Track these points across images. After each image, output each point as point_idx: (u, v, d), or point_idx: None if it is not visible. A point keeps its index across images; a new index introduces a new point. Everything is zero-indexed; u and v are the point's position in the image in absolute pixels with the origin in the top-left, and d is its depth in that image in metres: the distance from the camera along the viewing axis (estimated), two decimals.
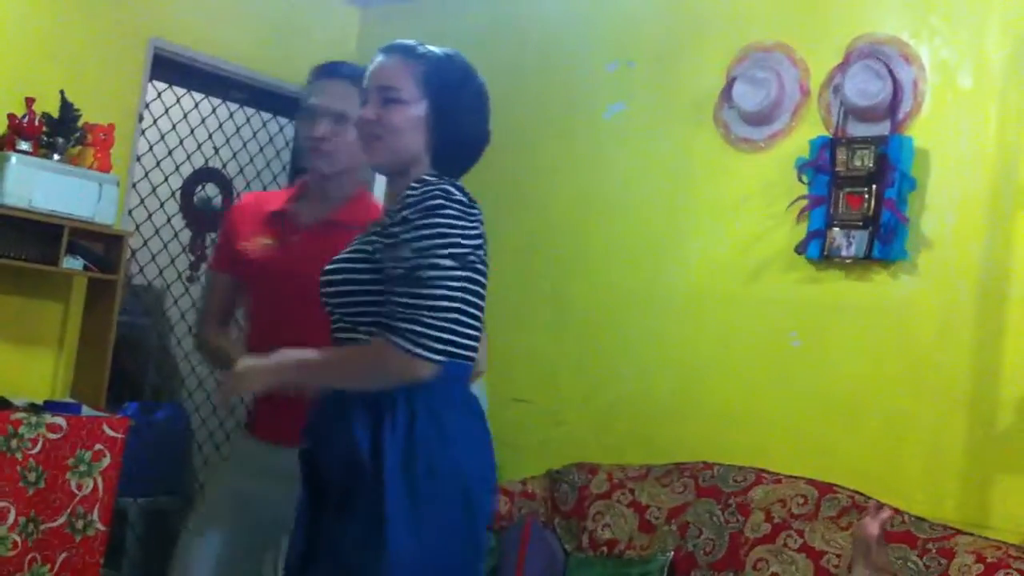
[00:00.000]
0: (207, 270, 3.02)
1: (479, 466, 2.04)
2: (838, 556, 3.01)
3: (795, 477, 3.32)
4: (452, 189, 1.96)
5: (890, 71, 3.47)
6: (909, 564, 2.87)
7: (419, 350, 1.88)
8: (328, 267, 2.09)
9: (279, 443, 2.51)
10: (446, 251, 1.91)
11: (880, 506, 2.79)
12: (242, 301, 2.81)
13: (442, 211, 1.92)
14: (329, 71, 2.57)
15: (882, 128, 3.49)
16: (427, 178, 1.99)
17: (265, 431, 2.59)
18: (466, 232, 1.95)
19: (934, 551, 2.88)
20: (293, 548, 2.09)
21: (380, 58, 2.13)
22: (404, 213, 1.93)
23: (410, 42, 2.13)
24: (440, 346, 1.89)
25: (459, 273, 1.92)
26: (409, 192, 1.96)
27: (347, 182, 2.59)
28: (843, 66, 3.59)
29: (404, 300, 1.90)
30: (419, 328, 1.88)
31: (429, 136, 2.07)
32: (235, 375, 2.10)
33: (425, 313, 1.88)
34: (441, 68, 2.10)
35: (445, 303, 1.90)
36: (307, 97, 2.58)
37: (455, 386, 2.02)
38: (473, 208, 1.99)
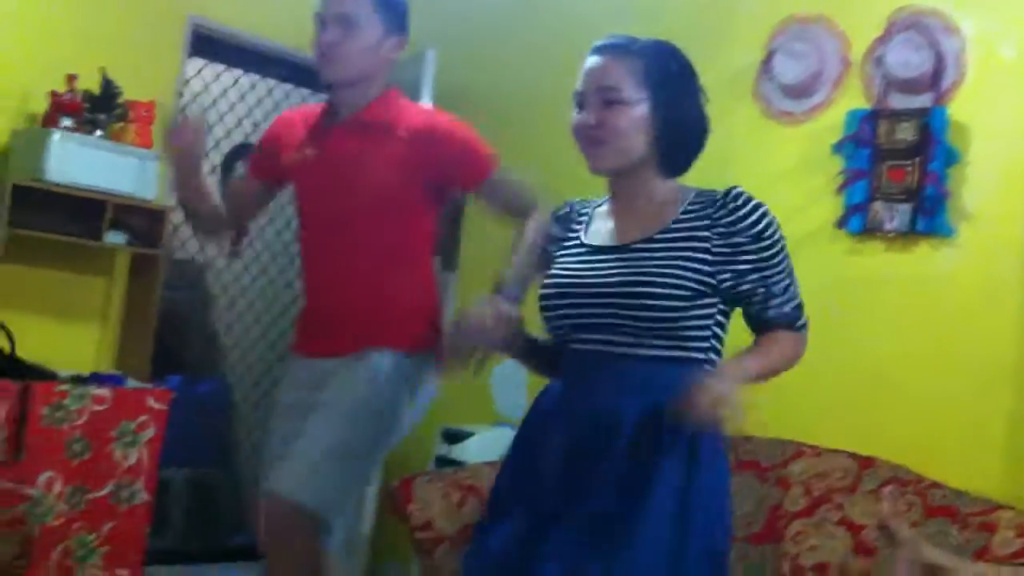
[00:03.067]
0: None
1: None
2: (877, 529, 3.00)
3: (835, 451, 3.30)
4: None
5: (932, 42, 3.43)
6: (950, 538, 2.85)
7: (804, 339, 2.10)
8: (625, 281, 1.97)
9: (316, 353, 2.58)
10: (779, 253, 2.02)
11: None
12: (254, 210, 2.89)
13: (769, 213, 2.00)
14: None
15: (924, 100, 3.45)
16: (738, 191, 2.00)
17: (305, 341, 2.66)
18: None
19: (975, 525, 2.86)
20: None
21: (594, 58, 2.05)
22: (746, 224, 1.96)
23: (622, 38, 2.06)
24: None
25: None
26: (735, 205, 1.97)
27: (366, 89, 2.55)
28: (884, 38, 3.55)
29: (786, 293, 2.02)
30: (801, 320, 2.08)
31: (653, 134, 2.02)
32: (721, 383, 1.84)
33: (792, 308, 2.05)
34: (660, 61, 2.03)
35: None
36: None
37: None
38: None
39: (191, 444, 4.66)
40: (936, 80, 3.42)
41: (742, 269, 1.96)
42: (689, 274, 1.94)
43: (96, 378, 3.90)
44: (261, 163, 2.77)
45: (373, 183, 2.49)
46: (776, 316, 2.02)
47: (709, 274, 1.95)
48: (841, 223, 3.58)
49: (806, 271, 3.62)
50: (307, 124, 2.65)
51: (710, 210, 1.98)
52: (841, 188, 3.58)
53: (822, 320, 3.59)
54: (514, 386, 3.90)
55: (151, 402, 3.85)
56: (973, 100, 3.38)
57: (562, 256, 2.13)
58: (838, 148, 3.60)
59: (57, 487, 3.62)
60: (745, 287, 1.98)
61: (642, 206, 2.05)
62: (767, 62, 3.83)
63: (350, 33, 2.46)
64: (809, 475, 3.26)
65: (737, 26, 4.00)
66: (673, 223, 2.00)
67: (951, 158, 3.36)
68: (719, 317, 2.00)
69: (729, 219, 1.96)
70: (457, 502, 3.48)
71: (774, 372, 2.03)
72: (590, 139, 2.03)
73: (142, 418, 3.82)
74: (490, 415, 4.16)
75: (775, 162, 3.79)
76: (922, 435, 3.30)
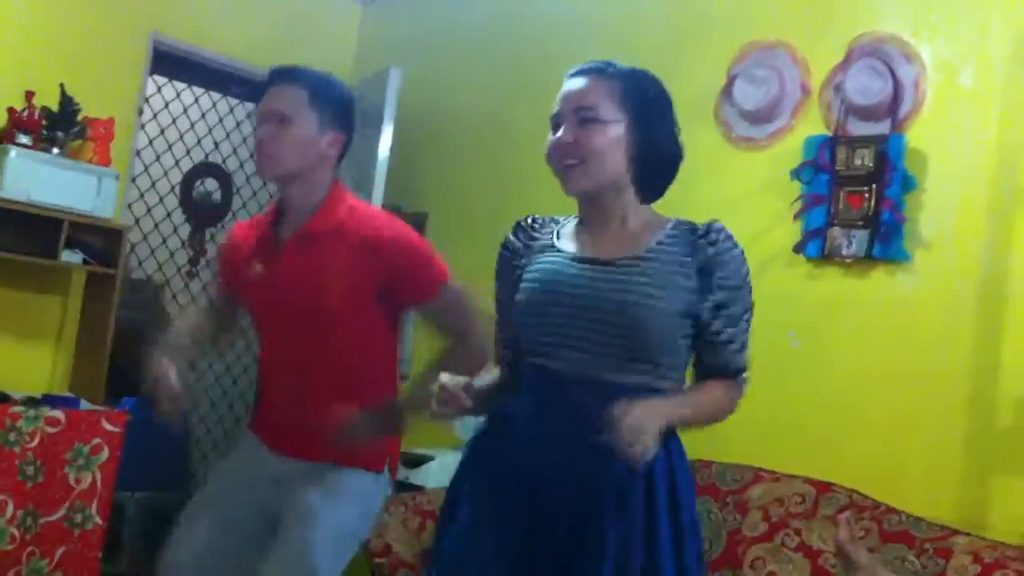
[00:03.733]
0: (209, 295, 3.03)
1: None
2: (835, 555, 3.01)
3: (793, 476, 3.31)
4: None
5: (891, 70, 3.46)
6: (907, 564, 2.86)
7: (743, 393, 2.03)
8: (619, 298, 1.94)
9: (276, 450, 2.54)
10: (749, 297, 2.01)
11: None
12: (237, 321, 2.84)
13: (742, 255, 1.99)
14: (278, 75, 2.53)
15: (883, 127, 3.48)
16: (721, 225, 2.01)
17: (265, 435, 2.60)
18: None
19: (931, 551, 2.88)
20: None
21: (572, 79, 2.04)
22: (727, 259, 1.96)
23: (600, 62, 2.05)
24: None
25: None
26: (718, 238, 1.97)
27: (308, 188, 2.51)
28: (844, 64, 3.59)
29: (744, 340, 1.99)
30: (746, 373, 2.02)
31: (630, 156, 2.00)
32: (633, 422, 1.75)
33: (745, 357, 2.01)
34: (637, 84, 2.02)
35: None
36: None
37: None
38: None
39: (145, 467, 4.60)
40: (894, 107, 3.46)
41: (717, 304, 1.95)
42: (675, 296, 1.93)
43: (49, 400, 3.84)
44: (221, 284, 2.75)
45: (324, 303, 2.45)
46: (730, 361, 1.99)
47: (691, 302, 1.94)
48: (799, 248, 3.60)
49: (765, 296, 3.64)
50: (255, 236, 2.60)
51: (692, 238, 1.98)
52: (799, 213, 3.61)
53: (780, 344, 3.65)
54: None
55: (105, 424, 3.80)
56: (931, 128, 3.42)
57: (539, 264, 2.07)
58: (797, 174, 3.63)
59: (9, 511, 3.56)
60: (715, 324, 1.96)
61: (616, 228, 2.03)
62: (728, 87, 3.86)
63: (283, 129, 2.45)
64: (767, 500, 3.27)
65: (700, 51, 4.02)
66: (657, 244, 1.98)
67: (908, 185, 3.40)
68: (689, 352, 2.01)
69: (712, 251, 1.96)
70: (416, 528, 3.46)
71: (705, 423, 2.01)
72: (566, 158, 2.00)
73: (96, 441, 3.77)
74: (450, 440, 4.14)
75: (735, 187, 3.81)
76: (879, 460, 3.32)
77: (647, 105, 2.01)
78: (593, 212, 2.07)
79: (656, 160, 2.03)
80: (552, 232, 2.13)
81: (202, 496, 2.64)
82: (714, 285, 1.95)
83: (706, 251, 1.96)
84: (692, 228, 2.01)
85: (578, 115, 1.99)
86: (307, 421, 2.43)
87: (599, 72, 2.02)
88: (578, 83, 2.02)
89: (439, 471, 3.92)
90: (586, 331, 1.92)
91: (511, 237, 2.18)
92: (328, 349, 2.46)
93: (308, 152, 2.47)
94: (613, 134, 1.98)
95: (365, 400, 2.43)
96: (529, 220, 2.19)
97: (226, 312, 2.77)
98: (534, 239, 2.13)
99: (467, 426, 4.09)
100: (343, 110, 2.55)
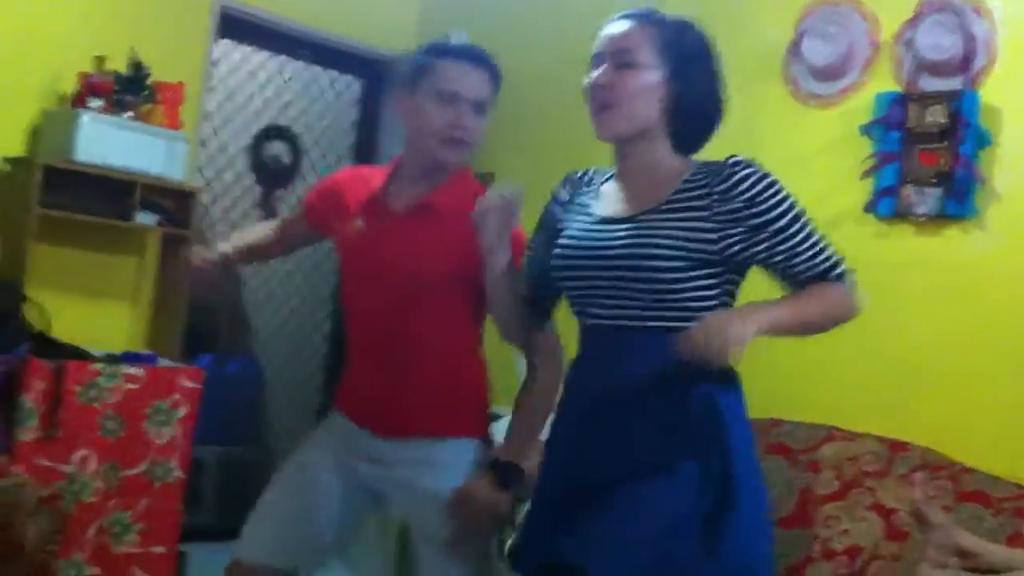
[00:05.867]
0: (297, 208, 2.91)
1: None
2: (910, 514, 3.01)
3: (866, 434, 3.30)
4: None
5: (962, 25, 3.41)
6: (983, 523, 2.85)
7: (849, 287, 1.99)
8: (629, 252, 1.96)
9: (369, 429, 2.42)
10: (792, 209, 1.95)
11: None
12: (292, 250, 2.83)
13: (767, 177, 1.94)
14: (471, 56, 2.39)
15: (955, 83, 3.44)
16: (736, 159, 1.96)
17: (355, 413, 2.48)
18: None
19: (1008, 510, 2.87)
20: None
21: (615, 23, 2.04)
22: (741, 190, 1.91)
23: (647, 8, 2.05)
24: None
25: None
26: (730, 172, 1.93)
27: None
28: (914, 20, 3.54)
29: (809, 249, 1.94)
30: (849, 274, 1.99)
31: (666, 105, 2.00)
32: (719, 327, 1.81)
33: (823, 259, 1.96)
34: (680, 35, 2.02)
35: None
36: (429, 75, 2.36)
37: None
38: None
39: (222, 422, 4.69)
40: (966, 63, 3.41)
41: (748, 235, 1.92)
42: (690, 244, 1.92)
43: (129, 357, 3.93)
44: (317, 211, 2.62)
45: (435, 275, 2.34)
46: (805, 272, 1.95)
47: (712, 241, 1.92)
48: (870, 207, 3.57)
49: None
50: (366, 191, 2.46)
51: (709, 179, 1.95)
52: (870, 171, 3.58)
53: None
54: None
55: (183, 381, 3.88)
56: (1005, 83, 3.37)
57: (572, 224, 2.11)
58: (867, 131, 3.59)
59: (92, 464, 3.65)
60: (760, 252, 1.93)
61: (647, 178, 2.03)
62: (796, 44, 3.82)
63: (482, 117, 2.39)
64: (840, 459, 3.27)
65: (768, 6, 3.98)
66: (675, 193, 1.98)
67: (982, 141, 3.35)
68: (727, 286, 1.98)
69: (724, 186, 1.92)
70: None
71: (813, 323, 1.98)
72: (599, 101, 2.01)
73: (175, 396, 3.84)
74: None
75: (804, 144, 3.78)
76: (953, 419, 3.30)
77: (686, 56, 2.00)
78: (625, 160, 2.07)
79: (691, 111, 2.01)
80: (596, 187, 2.15)
81: (286, 476, 2.53)
82: (736, 218, 1.91)
83: (718, 188, 1.93)
84: (712, 168, 1.97)
85: (615, 59, 2.00)
86: (404, 396, 2.36)
87: (643, 18, 2.03)
88: (620, 27, 2.03)
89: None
90: (610, 287, 1.97)
91: (561, 190, 2.21)
92: (429, 322, 2.34)
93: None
94: (648, 81, 1.98)
95: (463, 371, 2.41)
96: (579, 175, 2.21)
97: (287, 241, 2.71)
98: (580, 193, 2.17)
99: None
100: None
